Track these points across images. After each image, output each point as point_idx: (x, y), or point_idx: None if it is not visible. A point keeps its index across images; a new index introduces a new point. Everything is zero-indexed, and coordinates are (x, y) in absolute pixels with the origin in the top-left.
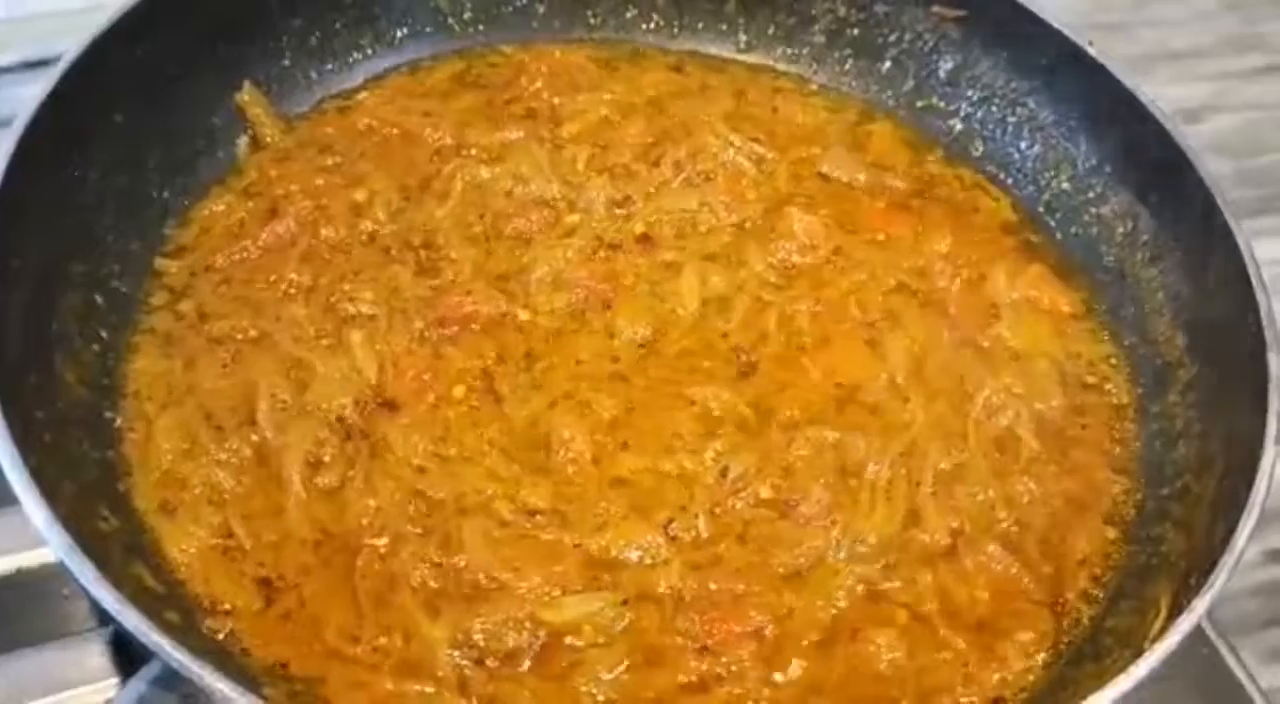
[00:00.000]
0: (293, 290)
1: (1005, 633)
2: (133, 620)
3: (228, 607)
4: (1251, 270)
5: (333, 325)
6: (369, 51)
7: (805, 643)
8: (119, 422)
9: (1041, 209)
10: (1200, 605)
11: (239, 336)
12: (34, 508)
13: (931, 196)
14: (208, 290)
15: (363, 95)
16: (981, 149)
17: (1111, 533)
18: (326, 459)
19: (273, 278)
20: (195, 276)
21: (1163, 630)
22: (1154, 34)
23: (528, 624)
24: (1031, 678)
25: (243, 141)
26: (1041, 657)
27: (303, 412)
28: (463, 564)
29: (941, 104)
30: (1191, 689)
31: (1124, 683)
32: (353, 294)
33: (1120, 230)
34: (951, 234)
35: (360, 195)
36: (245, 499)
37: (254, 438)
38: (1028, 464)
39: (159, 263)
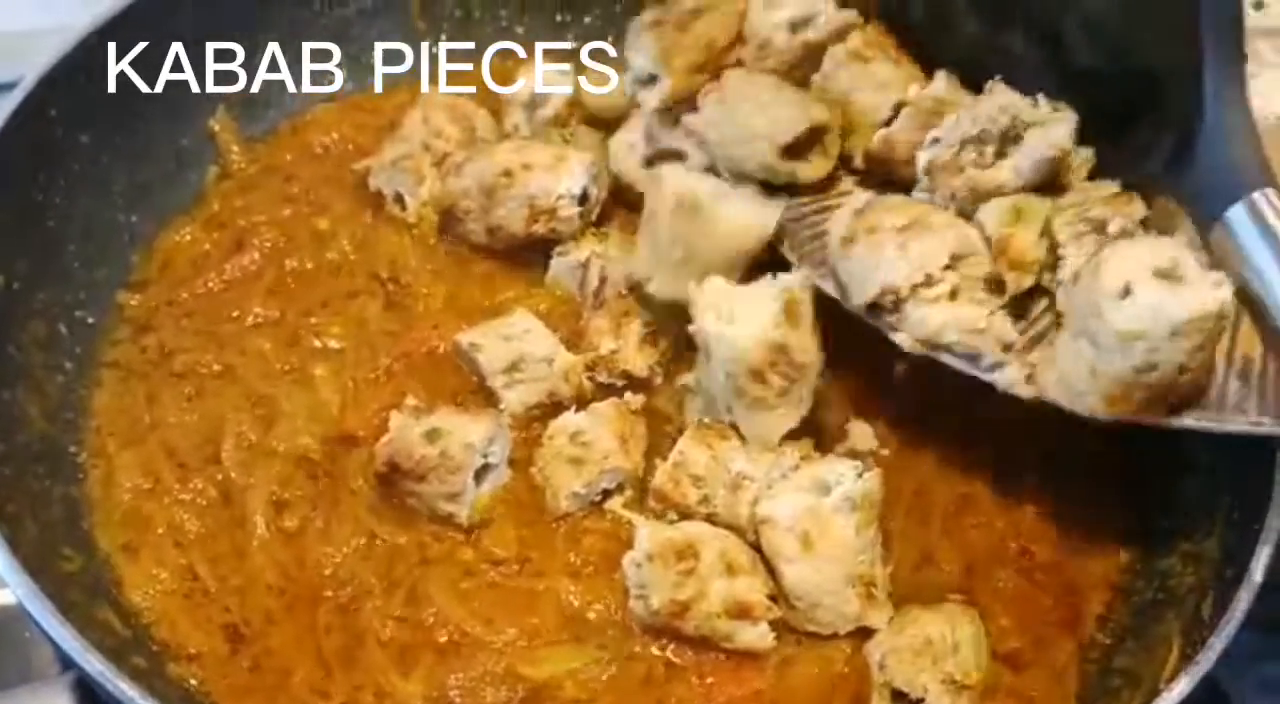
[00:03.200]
0: (259, 322)
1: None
2: (97, 667)
3: (193, 651)
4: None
5: (299, 359)
6: (342, 73)
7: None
8: (81, 457)
9: None
10: (1218, 642)
11: (203, 371)
12: None
13: None
14: (171, 324)
15: (316, 109)
16: None
17: (1123, 558)
18: (290, 499)
19: (236, 312)
20: (158, 310)
21: (1176, 670)
22: None
23: (506, 679)
24: None
25: (211, 169)
26: None
27: (268, 451)
28: (431, 620)
29: None
30: None
31: None
32: (319, 328)
33: None
34: None
35: (324, 224)
36: (209, 541)
37: (219, 477)
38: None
39: (121, 295)
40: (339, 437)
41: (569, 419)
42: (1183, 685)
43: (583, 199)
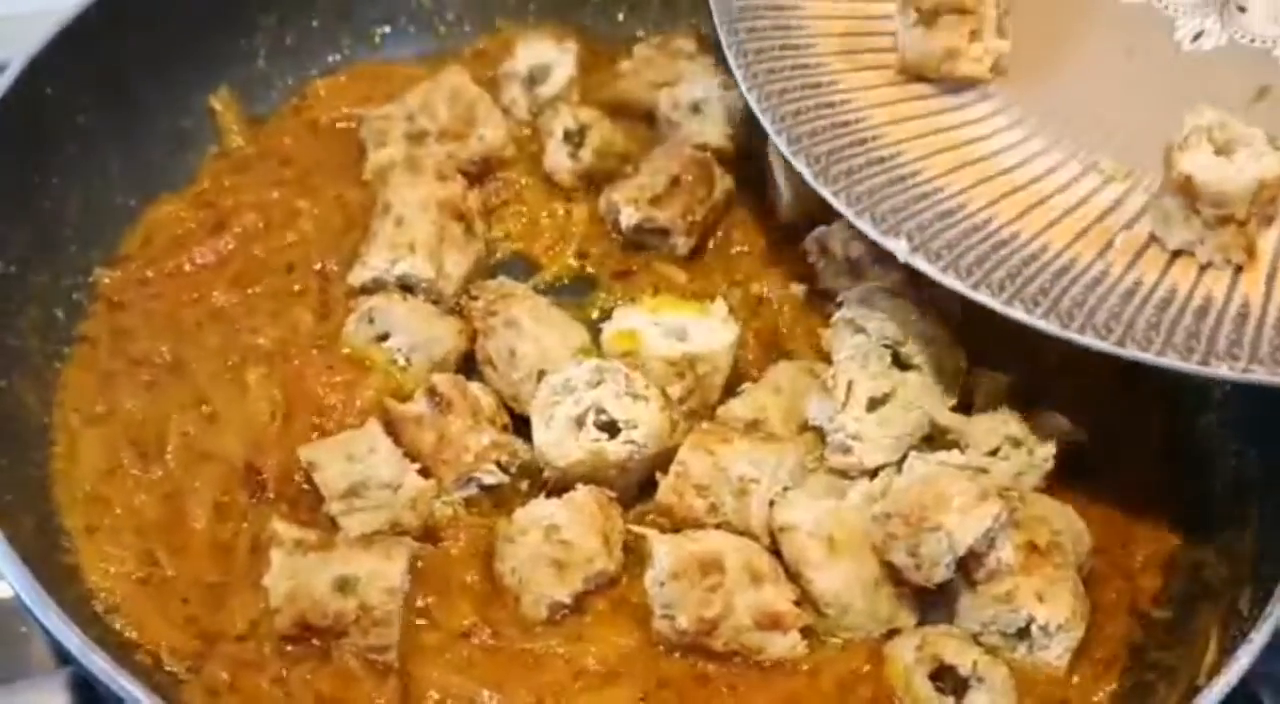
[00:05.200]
0: (213, 313)
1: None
2: (99, 665)
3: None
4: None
5: (239, 357)
6: (347, 52)
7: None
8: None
9: None
10: (1259, 636)
11: (157, 361)
12: None
13: None
14: (139, 305)
15: (320, 87)
16: None
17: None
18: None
19: (197, 296)
20: (129, 288)
21: (1217, 664)
22: None
23: None
24: None
25: (211, 149)
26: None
27: (206, 454)
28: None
29: None
30: None
31: None
32: (257, 327)
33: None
34: None
35: (302, 204)
36: (166, 530)
37: (171, 468)
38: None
39: (98, 271)
40: (248, 466)
41: (540, 511)
42: (1225, 680)
43: None
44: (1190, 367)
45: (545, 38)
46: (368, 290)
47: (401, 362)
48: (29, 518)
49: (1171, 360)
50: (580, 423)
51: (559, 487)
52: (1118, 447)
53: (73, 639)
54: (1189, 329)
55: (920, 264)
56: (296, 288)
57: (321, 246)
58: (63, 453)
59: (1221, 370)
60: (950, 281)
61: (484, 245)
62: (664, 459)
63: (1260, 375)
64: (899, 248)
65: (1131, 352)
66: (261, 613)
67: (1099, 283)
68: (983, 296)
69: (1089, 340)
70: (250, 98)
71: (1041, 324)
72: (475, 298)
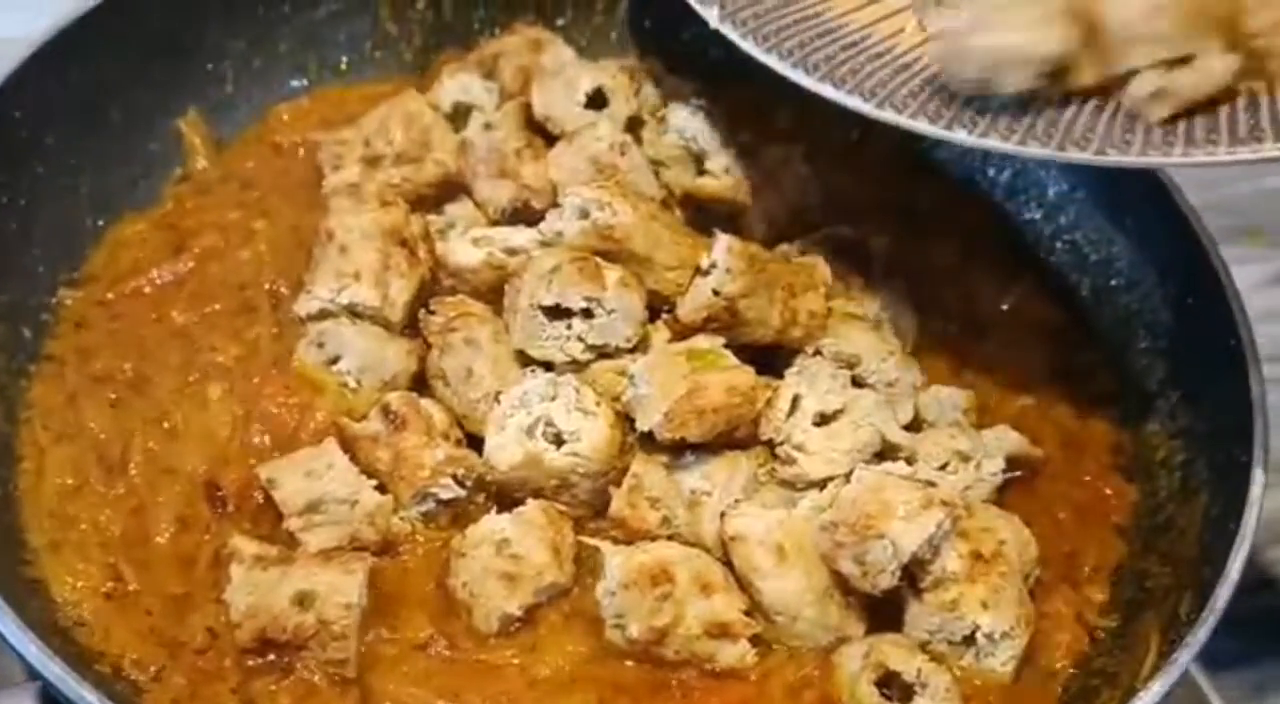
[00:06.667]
0: (174, 331)
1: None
2: (57, 673)
3: (123, 656)
4: (1230, 296)
5: (200, 374)
6: (313, 77)
7: None
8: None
9: (1018, 233)
10: (1195, 640)
11: (120, 378)
12: None
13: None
14: (101, 325)
15: (285, 112)
16: (955, 172)
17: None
18: (192, 523)
19: (156, 316)
20: (90, 309)
21: (1155, 669)
22: None
23: None
24: None
25: (177, 171)
26: None
27: (169, 469)
28: None
29: None
30: None
31: None
32: (216, 344)
33: (1094, 257)
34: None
35: (259, 225)
36: (131, 546)
37: (135, 484)
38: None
39: (61, 292)
40: (208, 483)
41: (491, 525)
42: (1159, 685)
43: None
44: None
45: (473, 72)
46: (315, 319)
47: (353, 384)
48: None
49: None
50: (530, 433)
51: (506, 496)
52: (1065, 457)
53: (31, 649)
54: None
55: (727, 31)
56: (249, 306)
57: (275, 267)
58: (30, 469)
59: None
60: (750, 48)
61: (428, 270)
62: (618, 476)
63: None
64: (711, 15)
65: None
66: (222, 625)
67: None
68: (774, 63)
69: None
70: (216, 121)
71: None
72: (433, 312)
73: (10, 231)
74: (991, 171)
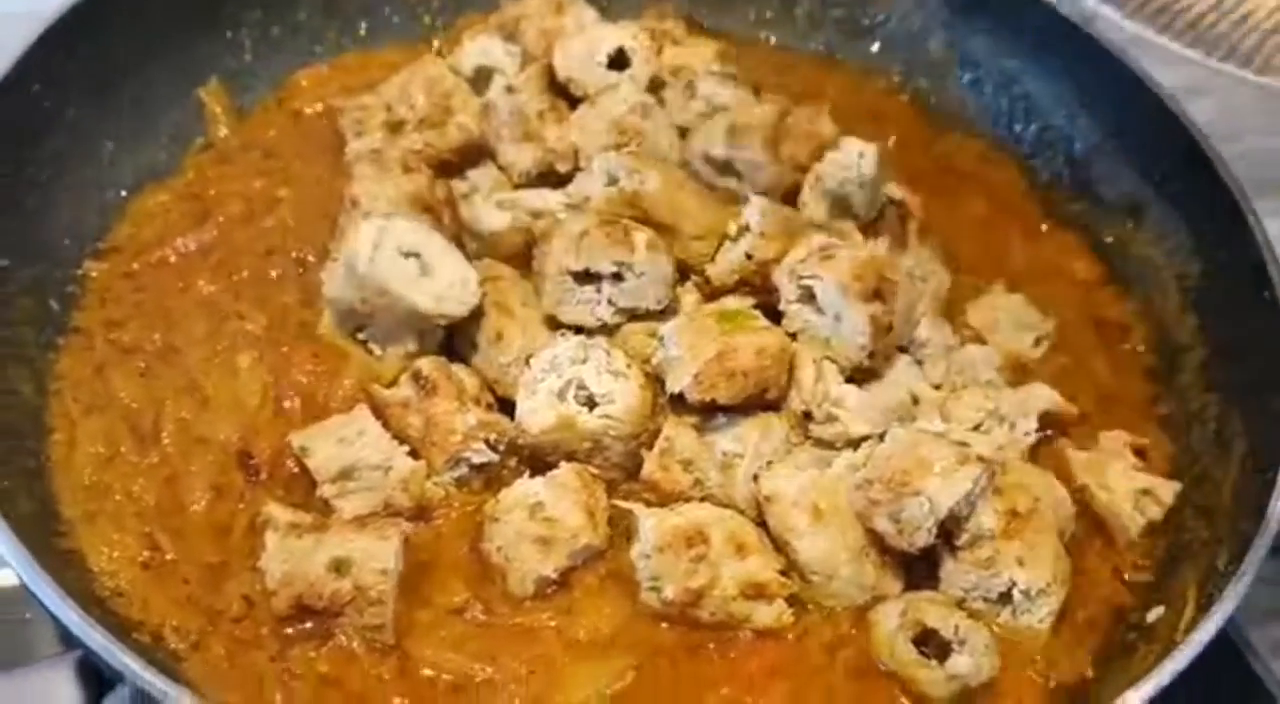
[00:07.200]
0: (200, 300)
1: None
2: (99, 643)
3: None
4: (1263, 247)
5: (228, 342)
6: (331, 44)
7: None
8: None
9: (1044, 187)
10: (1234, 593)
11: (148, 347)
12: None
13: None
14: (127, 296)
15: (305, 78)
16: (984, 128)
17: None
18: (226, 491)
19: (183, 286)
20: (116, 280)
21: (1193, 622)
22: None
23: None
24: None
25: (198, 140)
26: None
27: (201, 438)
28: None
29: (933, 84)
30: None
31: (1159, 677)
32: (244, 311)
33: (1123, 211)
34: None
35: (283, 192)
36: (166, 514)
37: (168, 453)
38: None
39: (86, 264)
40: (241, 452)
41: (524, 489)
42: (1198, 638)
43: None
44: None
45: (494, 35)
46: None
47: (378, 351)
48: (27, 504)
49: None
50: (562, 396)
51: (539, 460)
52: (1100, 411)
53: (73, 618)
54: None
55: None
56: (275, 274)
57: (300, 235)
58: (62, 440)
59: None
60: None
61: (453, 236)
62: (650, 438)
63: None
64: None
65: None
66: (259, 593)
67: None
68: None
69: None
70: (236, 89)
71: None
72: None
73: (34, 205)
74: (1018, 127)
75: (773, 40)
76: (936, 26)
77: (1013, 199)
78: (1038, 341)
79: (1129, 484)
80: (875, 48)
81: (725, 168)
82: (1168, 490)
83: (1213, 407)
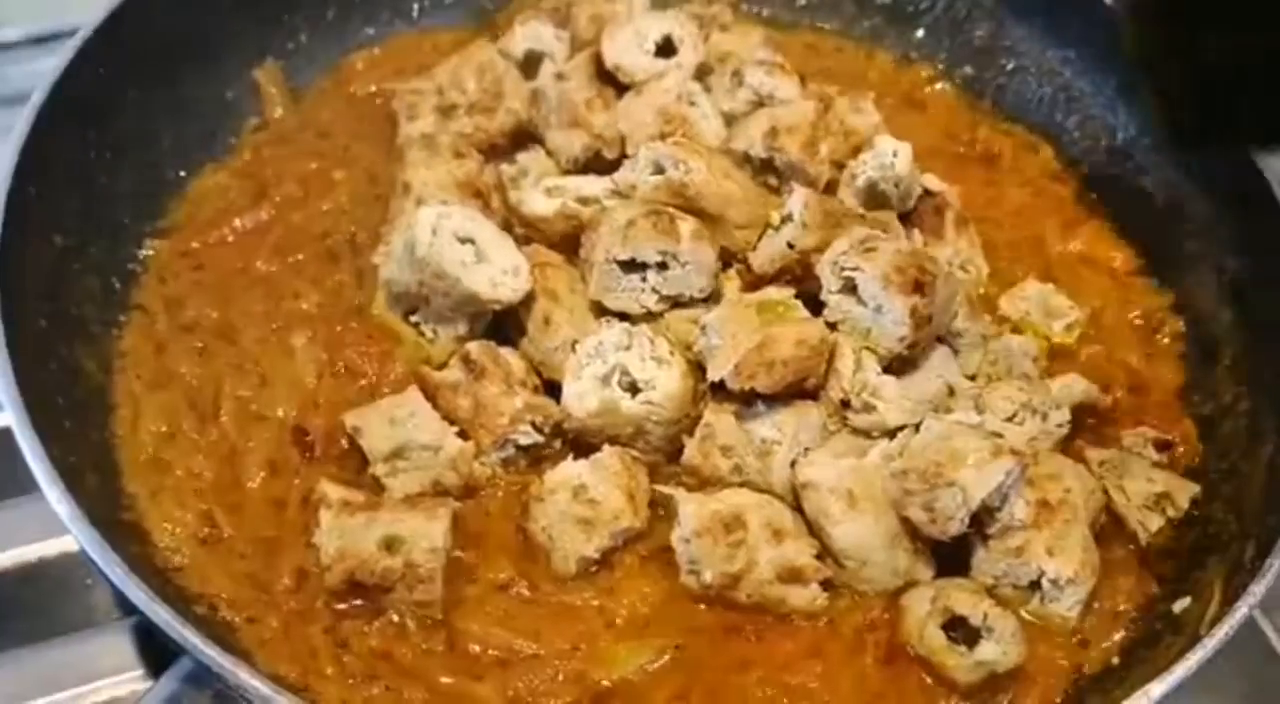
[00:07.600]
0: (258, 279)
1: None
2: (163, 617)
3: (220, 596)
4: None
5: (284, 321)
6: (385, 25)
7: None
8: (113, 399)
9: (1084, 177)
10: (1260, 588)
11: (207, 326)
12: (58, 501)
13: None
14: (186, 274)
15: (360, 59)
16: (1025, 116)
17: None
18: (282, 468)
19: (241, 265)
20: (176, 259)
21: (1219, 615)
22: None
23: (580, 682)
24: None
25: (252, 120)
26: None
27: (259, 416)
28: (475, 650)
29: (976, 72)
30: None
31: (1181, 670)
32: (300, 291)
33: (1161, 201)
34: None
35: (339, 175)
36: (224, 490)
37: (226, 430)
38: None
39: (147, 243)
40: (296, 429)
41: (568, 471)
42: (1223, 631)
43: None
44: None
45: (545, 20)
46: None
47: (429, 334)
48: (93, 478)
49: None
50: (606, 381)
51: (583, 442)
52: (1132, 401)
53: (138, 594)
54: None
55: None
56: (332, 255)
57: (355, 216)
58: (126, 417)
59: None
60: None
61: (501, 221)
62: (691, 424)
63: None
64: None
65: None
66: (313, 568)
67: None
68: None
69: None
70: (291, 71)
71: None
72: None
73: (99, 185)
74: (1059, 117)
75: (818, 25)
76: (982, 14)
77: (1052, 188)
78: (1068, 328)
79: (1147, 487)
80: (920, 34)
81: (765, 166)
82: (1184, 494)
83: (1245, 401)
